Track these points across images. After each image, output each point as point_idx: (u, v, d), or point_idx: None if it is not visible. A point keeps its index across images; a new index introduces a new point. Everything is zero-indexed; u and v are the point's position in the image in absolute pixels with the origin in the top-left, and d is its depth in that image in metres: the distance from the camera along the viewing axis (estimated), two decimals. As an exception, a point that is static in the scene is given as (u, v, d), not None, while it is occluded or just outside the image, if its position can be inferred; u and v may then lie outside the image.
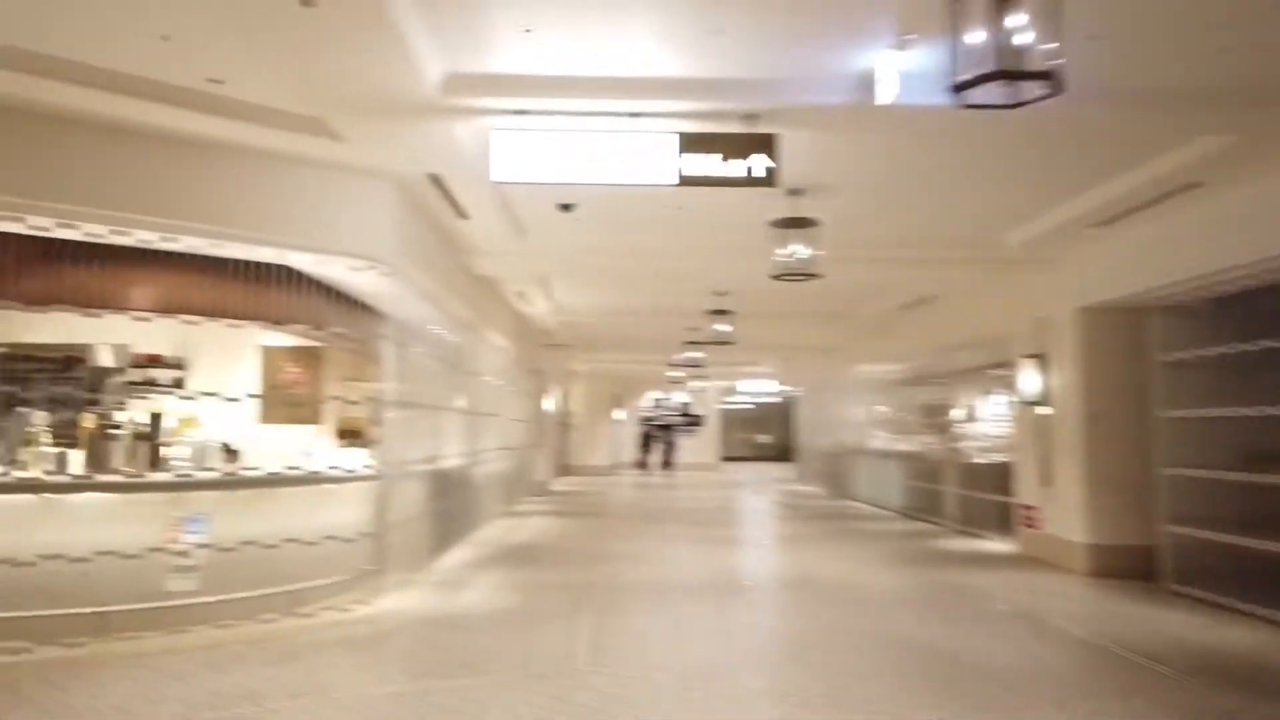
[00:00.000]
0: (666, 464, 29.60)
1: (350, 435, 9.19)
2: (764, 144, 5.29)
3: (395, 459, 8.02)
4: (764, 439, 39.10)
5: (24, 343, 7.50)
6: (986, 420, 14.60)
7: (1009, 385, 14.15)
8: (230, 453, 7.19)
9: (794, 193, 7.42)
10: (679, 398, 31.53)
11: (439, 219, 8.28)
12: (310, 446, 8.05)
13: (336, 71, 4.90)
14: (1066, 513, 9.45)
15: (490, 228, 8.60)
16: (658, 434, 29.95)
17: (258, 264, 6.70)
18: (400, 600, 7.30)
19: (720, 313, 12.89)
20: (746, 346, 19.97)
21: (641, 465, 29.58)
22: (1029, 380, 9.98)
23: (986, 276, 10.45)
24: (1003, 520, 11.87)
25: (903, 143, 6.37)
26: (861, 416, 20.33)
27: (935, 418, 20.15)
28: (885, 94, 4.81)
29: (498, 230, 8.68)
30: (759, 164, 5.27)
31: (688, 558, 10.19)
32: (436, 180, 7.06)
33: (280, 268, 6.82)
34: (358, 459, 7.92)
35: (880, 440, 18.12)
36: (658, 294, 13.20)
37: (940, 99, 4.93)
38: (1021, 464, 10.65)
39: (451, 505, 10.52)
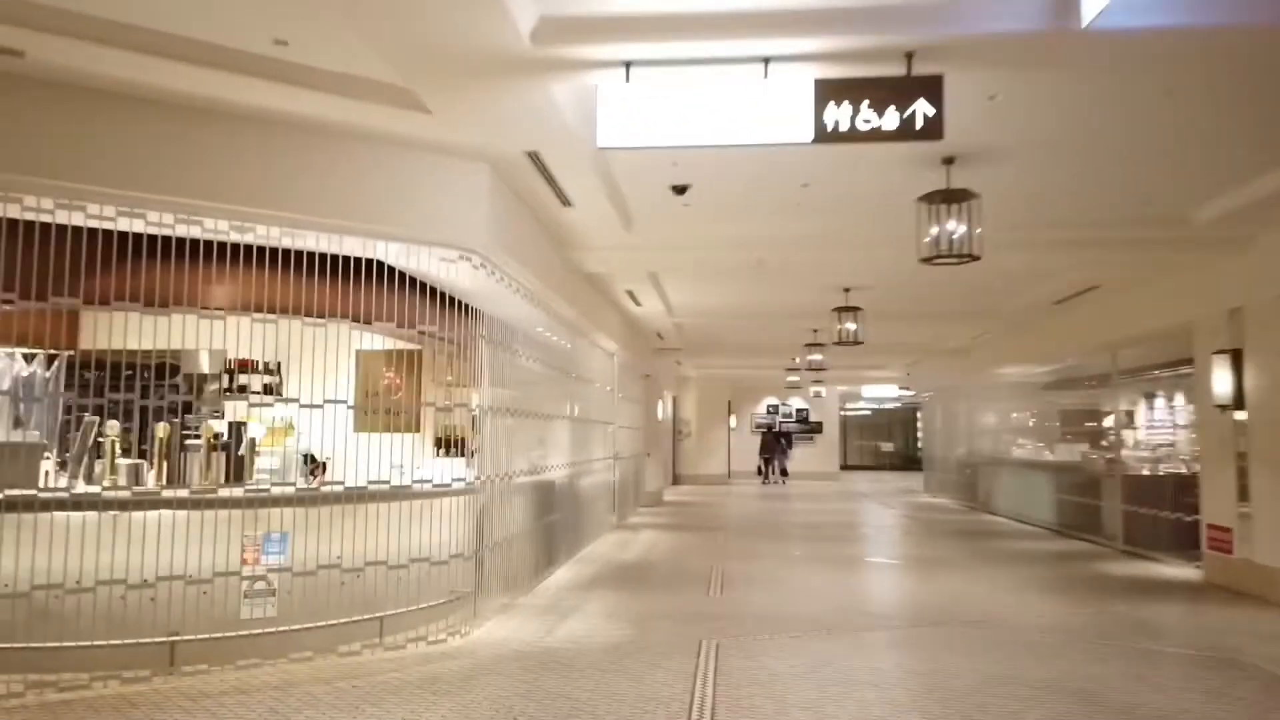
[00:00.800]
0: (783, 472, 28.34)
1: (449, 445, 8.56)
2: (925, 87, 4.28)
3: (496, 470, 7.31)
4: (886, 447, 37.25)
5: (114, 349, 7.14)
6: (1156, 426, 12.95)
7: (1186, 386, 12.51)
8: (316, 464, 6.61)
9: (947, 161, 6.35)
10: (796, 404, 30.22)
11: (541, 207, 7.54)
12: (407, 457, 7.43)
13: (415, 20, 4.16)
14: (1272, 535, 7.96)
15: (596, 216, 7.81)
16: (774, 442, 28.66)
17: (344, 257, 6.08)
18: (498, 629, 6.56)
19: (848, 310, 11.75)
20: (872, 349, 18.68)
21: (761, 474, 28.39)
22: (1220, 381, 8.50)
23: (1167, 259, 8.99)
24: (1178, 541, 10.33)
25: (1085, 91, 5.23)
26: (1001, 423, 18.71)
27: (1093, 424, 18.43)
28: (1092, 8, 3.74)
29: (604, 219, 7.88)
30: (919, 111, 4.26)
31: (815, 582, 9.14)
32: (536, 159, 6.30)
33: (368, 261, 6.19)
34: (456, 470, 7.26)
35: (1025, 449, 16.51)
36: (778, 291, 12.19)
37: (1160, 18, 3.85)
38: (1209, 477, 9.14)
39: (557, 520, 9.80)
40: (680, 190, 7.14)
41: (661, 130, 4.53)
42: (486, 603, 6.80)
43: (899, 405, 40.91)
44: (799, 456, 29.64)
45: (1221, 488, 8.74)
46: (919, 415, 41.89)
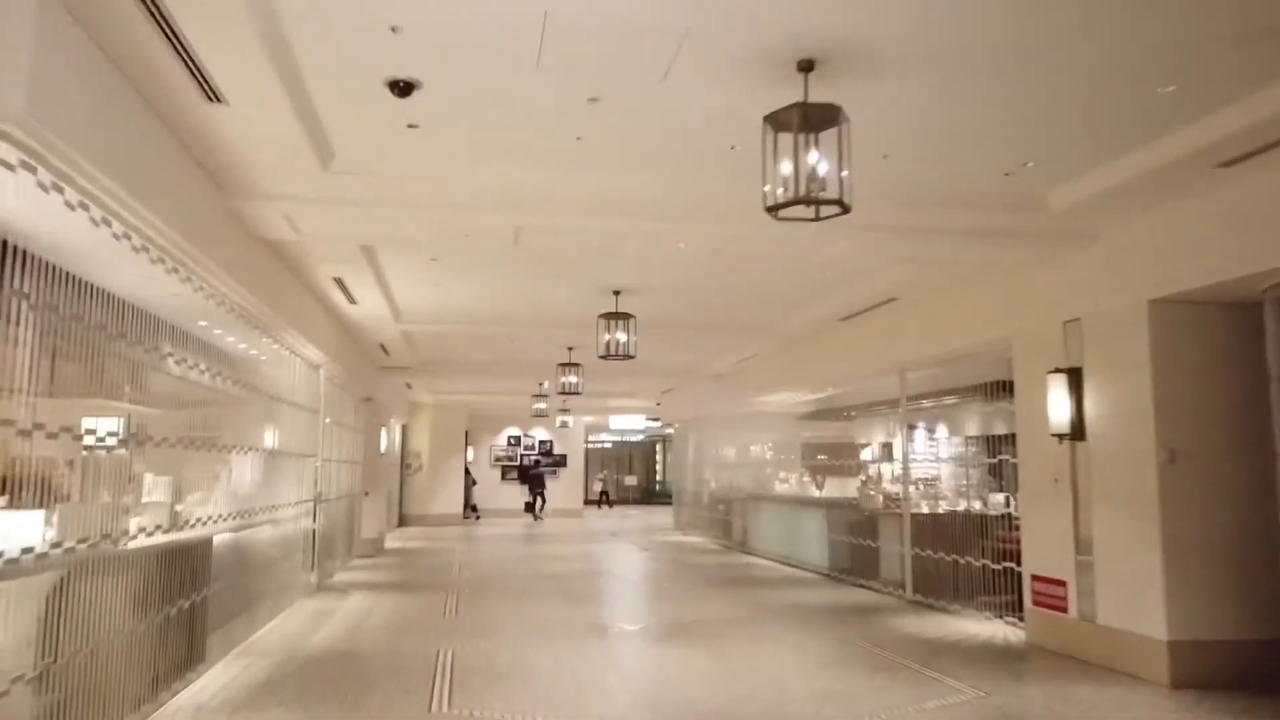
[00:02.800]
0: (529, 508, 26.01)
1: (10, 489, 5.33)
2: None
3: (88, 531, 4.35)
4: (630, 480, 36.01)
5: None
6: (950, 459, 11.97)
7: (996, 414, 11.58)
8: None
9: (804, 68, 4.32)
10: (540, 435, 27.96)
11: (173, 104, 4.67)
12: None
13: None
14: (1121, 591, 6.68)
15: (271, 133, 5.05)
16: (539, 479, 26.68)
17: None
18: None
19: (618, 316, 9.65)
20: (629, 371, 16.85)
21: (530, 510, 26.20)
22: (1057, 405, 7.21)
23: (996, 258, 7.64)
24: (975, 590, 9.11)
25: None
26: (762, 456, 17.52)
27: (869, 458, 17.65)
28: None
29: (284, 140, 5.14)
30: None
31: (581, 671, 6.77)
32: (132, -21, 3.53)
33: None
34: (24, 530, 4.23)
35: (789, 485, 15.26)
36: (533, 289, 9.86)
37: None
38: (1033, 520, 7.86)
39: (213, 595, 6.74)
40: (403, 90, 4.59)
41: None
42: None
43: (642, 438, 40.06)
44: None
45: (1052, 532, 7.44)
46: (658, 449, 41.50)
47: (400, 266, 8.69)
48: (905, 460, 11.07)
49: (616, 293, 9.72)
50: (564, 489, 27.72)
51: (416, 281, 9.40)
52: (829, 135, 4.15)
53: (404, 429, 23.40)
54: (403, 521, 22.89)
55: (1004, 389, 10.23)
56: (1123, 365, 6.71)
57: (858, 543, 11.84)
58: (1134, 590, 6.52)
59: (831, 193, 4.16)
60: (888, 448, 16.78)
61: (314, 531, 10.60)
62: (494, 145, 5.50)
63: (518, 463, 27.71)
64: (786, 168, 4.17)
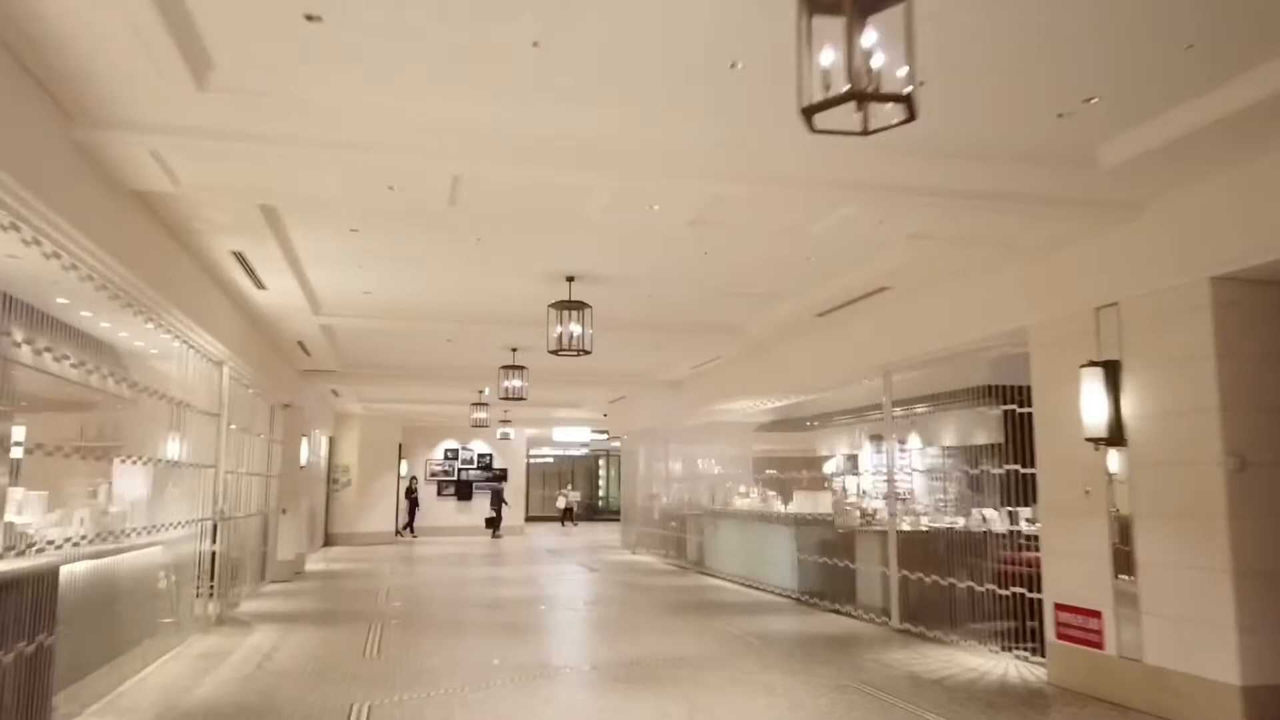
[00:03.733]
0: (495, 525, 24.62)
1: None
2: None
3: None
4: (573, 496, 34.60)
5: None
6: (927, 471, 10.94)
7: (979, 421, 10.59)
8: None
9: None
10: (480, 448, 26.43)
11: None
12: None
13: None
14: (1177, 625, 5.63)
15: (111, 15, 3.71)
16: (499, 496, 25.60)
17: None
18: None
19: (573, 306, 8.39)
20: (576, 378, 15.60)
21: (491, 527, 25.01)
22: (1093, 406, 6.16)
23: (1016, 235, 6.55)
24: (976, 617, 8.06)
25: None
26: (720, 470, 16.34)
27: (833, 470, 16.57)
28: None
29: (134, 30, 3.79)
30: None
31: (530, 726, 5.46)
32: None
33: None
34: None
35: (752, 499, 14.11)
36: (473, 270, 8.54)
37: None
38: (1055, 538, 6.80)
39: (57, 641, 5.27)
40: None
41: None
42: None
43: (585, 452, 38.65)
44: (479, 509, 25.82)
45: (1083, 554, 6.38)
46: (601, 464, 40.08)
47: (315, 241, 7.30)
48: (890, 471, 9.99)
49: (570, 279, 8.47)
50: (506, 505, 26.16)
51: (336, 261, 8.01)
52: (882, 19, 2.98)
53: (330, 441, 21.72)
54: (329, 541, 21.18)
55: (989, 394, 9.26)
56: (1176, 356, 5.69)
57: (831, 563, 10.72)
58: (1194, 624, 5.47)
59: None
60: (853, 460, 15.77)
61: (213, 555, 9.08)
62: (424, 57, 4.22)
63: (455, 477, 26.13)
64: (829, 57, 2.98)
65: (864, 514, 10.83)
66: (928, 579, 8.85)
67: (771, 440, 17.24)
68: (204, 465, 8.84)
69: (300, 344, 11.85)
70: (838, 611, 10.25)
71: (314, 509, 18.97)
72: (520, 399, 12.80)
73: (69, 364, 6.11)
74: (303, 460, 14.58)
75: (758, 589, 12.38)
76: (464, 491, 26.07)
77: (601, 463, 39.69)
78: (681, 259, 7.84)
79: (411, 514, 24.56)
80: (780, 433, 17.08)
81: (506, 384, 12.80)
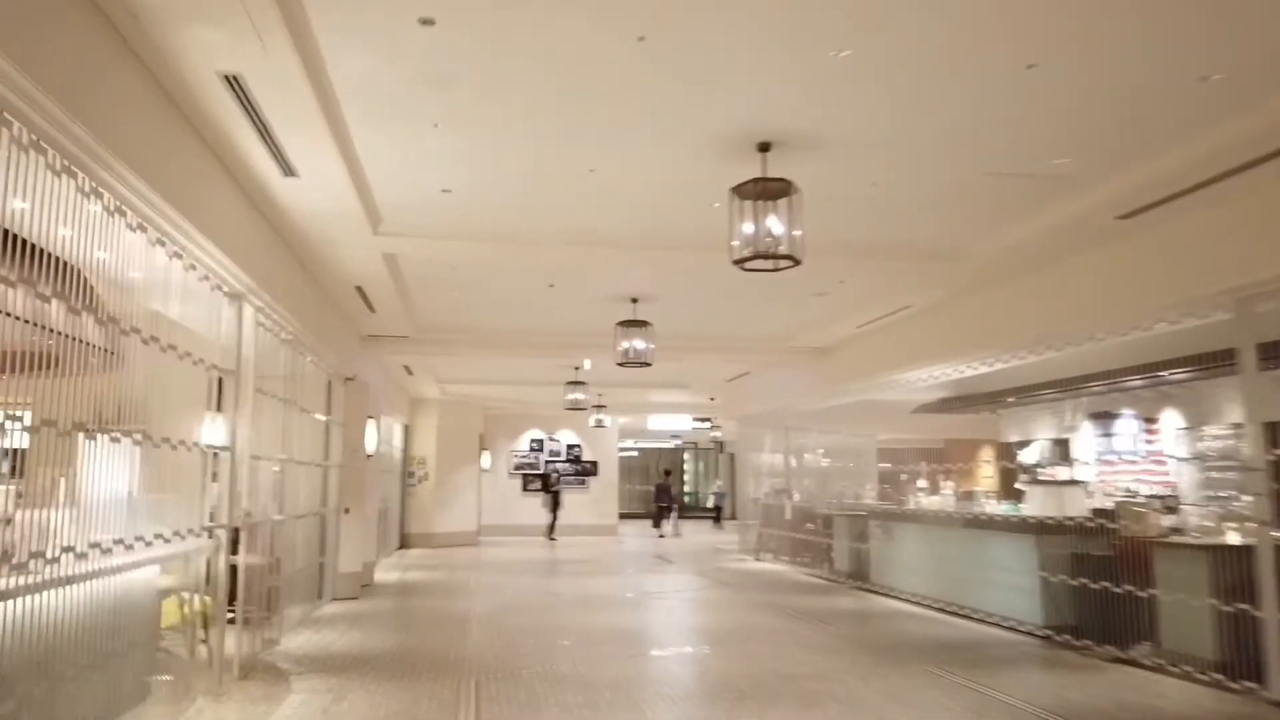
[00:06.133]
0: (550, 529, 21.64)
1: None
2: None
3: None
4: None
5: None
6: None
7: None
8: None
9: None
10: (567, 438, 23.56)
11: None
12: None
13: None
14: None
15: None
16: (668, 490, 24.39)
17: None
18: None
19: (765, 193, 5.26)
20: (688, 345, 12.48)
21: (656, 525, 23.60)
22: None
23: None
24: None
25: None
26: (896, 459, 13.04)
27: (1049, 459, 13.13)
28: None
29: None
30: None
31: None
32: None
33: None
34: None
35: (947, 497, 10.79)
36: (607, 141, 5.47)
37: None
38: None
39: None
40: None
41: None
42: None
43: (677, 444, 35.59)
44: (568, 503, 22.94)
45: None
46: (687, 457, 36.74)
47: (362, 59, 4.31)
48: (1247, 462, 6.62)
49: (763, 147, 5.33)
50: (593, 502, 23.23)
51: (401, 120, 5.03)
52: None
53: (406, 429, 19.08)
54: (404, 542, 18.55)
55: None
56: None
57: (1102, 589, 7.40)
58: None
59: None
60: (1060, 446, 12.32)
61: (223, 576, 6.22)
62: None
63: (541, 470, 23.31)
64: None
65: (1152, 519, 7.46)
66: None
67: (936, 424, 13.91)
68: (212, 449, 6.00)
69: (360, 292, 8.98)
70: (1124, 660, 6.96)
71: (387, 507, 16.30)
72: (643, 364, 9.76)
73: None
74: (369, 448, 11.79)
75: (969, 618, 9.10)
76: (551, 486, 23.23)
77: (688, 456, 36.70)
78: (978, 91, 4.65)
79: (554, 511, 21.83)
80: (949, 414, 13.72)
81: (626, 345, 9.77)
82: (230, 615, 6.38)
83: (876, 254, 7.67)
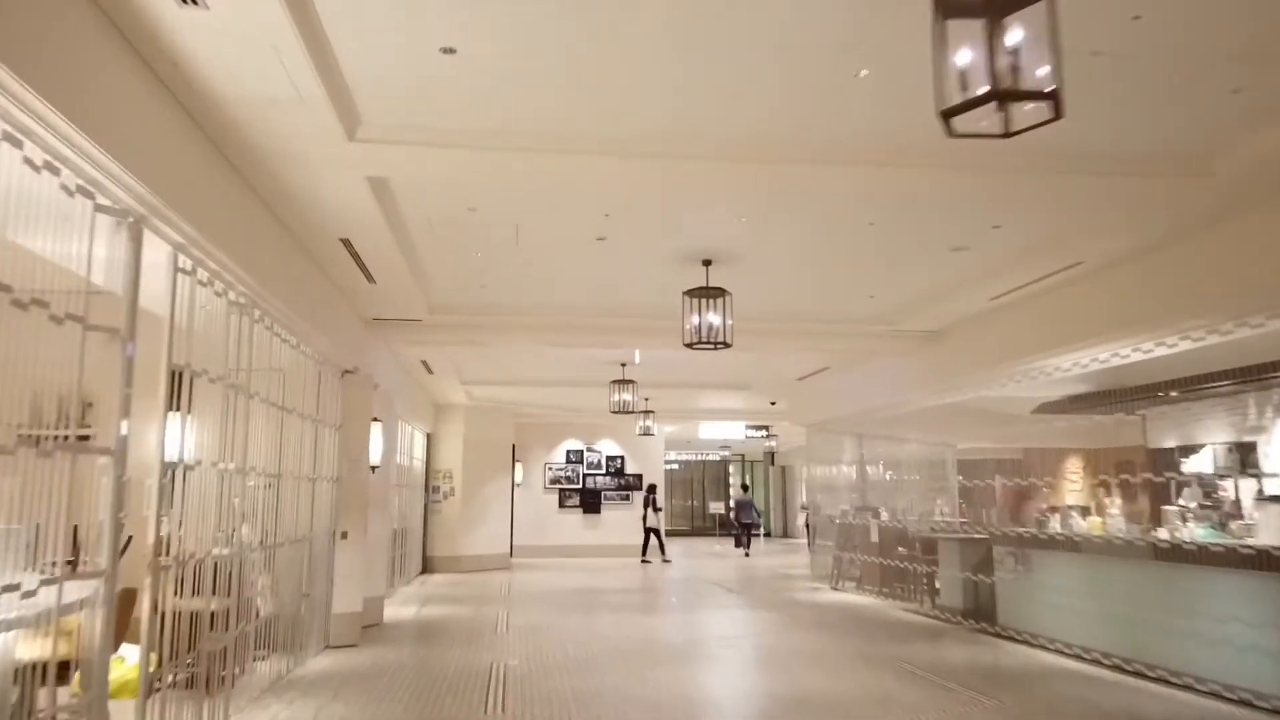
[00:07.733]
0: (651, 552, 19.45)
1: None
2: None
3: None
4: (715, 507, 29.50)
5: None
6: None
7: None
8: None
9: None
10: (608, 448, 21.31)
11: None
12: None
13: None
14: None
15: None
16: (749, 505, 22.82)
17: None
18: None
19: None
20: (751, 337, 10.21)
21: (739, 544, 22.37)
22: None
23: None
24: None
25: None
26: (1035, 469, 10.62)
27: (1224, 468, 10.61)
28: None
29: None
30: None
31: None
32: None
33: None
34: None
35: (1109, 519, 8.32)
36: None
37: None
38: None
39: None
40: None
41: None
42: None
43: (718, 457, 33.19)
44: (610, 525, 20.70)
45: None
46: (730, 470, 34.10)
47: None
48: None
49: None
50: (637, 520, 20.87)
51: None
52: None
53: (428, 438, 16.94)
54: (427, 566, 16.39)
55: None
56: None
57: None
58: None
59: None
60: (1242, 450, 9.80)
61: (103, 638, 4.02)
62: None
63: (579, 485, 21.05)
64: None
65: None
66: None
67: (1063, 428, 11.44)
68: (98, 450, 3.82)
69: (349, 248, 6.77)
70: None
71: (408, 527, 14.14)
72: (722, 345, 7.46)
73: None
74: (374, 457, 9.59)
75: (1169, 682, 6.68)
76: (591, 503, 20.97)
77: (733, 469, 34.28)
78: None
79: (658, 536, 19.64)
80: (1080, 414, 11.23)
81: (695, 321, 7.49)
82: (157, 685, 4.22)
83: (1072, 165, 5.29)
